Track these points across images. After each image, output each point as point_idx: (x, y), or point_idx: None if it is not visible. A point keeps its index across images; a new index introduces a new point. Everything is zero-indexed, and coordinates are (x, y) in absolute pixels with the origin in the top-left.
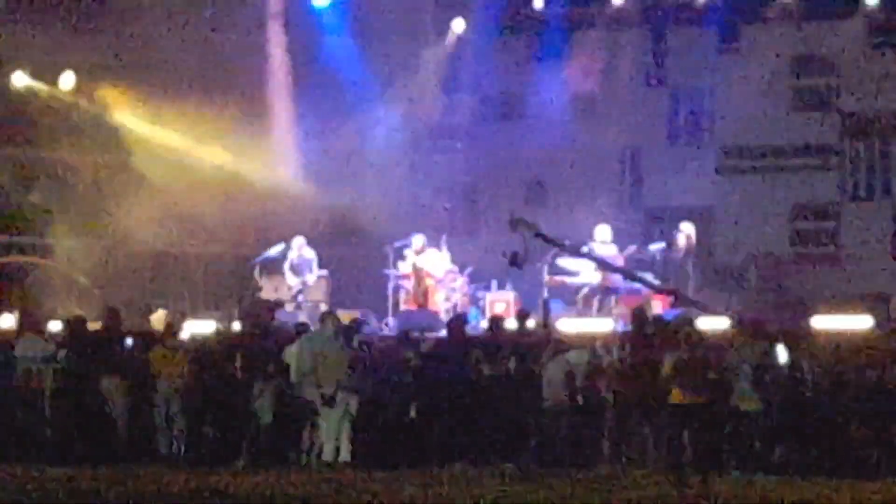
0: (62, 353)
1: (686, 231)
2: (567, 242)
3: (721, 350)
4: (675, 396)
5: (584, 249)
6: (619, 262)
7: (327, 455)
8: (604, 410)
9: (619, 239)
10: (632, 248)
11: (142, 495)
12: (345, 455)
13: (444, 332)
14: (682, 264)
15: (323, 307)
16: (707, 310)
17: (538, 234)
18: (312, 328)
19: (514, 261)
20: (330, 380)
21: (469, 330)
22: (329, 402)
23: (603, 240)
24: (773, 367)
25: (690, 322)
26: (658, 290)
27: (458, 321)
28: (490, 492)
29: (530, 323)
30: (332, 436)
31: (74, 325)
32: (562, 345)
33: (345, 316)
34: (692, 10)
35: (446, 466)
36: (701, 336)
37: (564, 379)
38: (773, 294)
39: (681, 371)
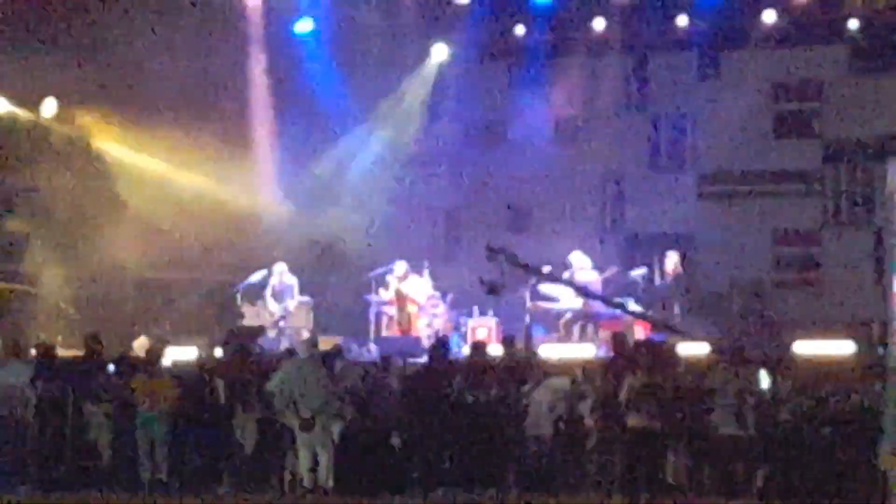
0: (40, 381)
1: (675, 257)
2: (546, 270)
3: (694, 374)
4: (631, 420)
5: (565, 276)
6: (599, 287)
7: (306, 481)
8: (586, 437)
9: (600, 265)
10: (612, 270)
11: None
12: (327, 481)
13: (426, 358)
14: (668, 290)
15: (305, 333)
16: (687, 335)
17: (515, 263)
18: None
19: (492, 290)
20: (309, 405)
21: (451, 356)
22: (306, 426)
23: (582, 266)
24: (755, 392)
25: (666, 347)
26: (637, 317)
27: (439, 347)
28: None
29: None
30: (311, 462)
31: (41, 352)
32: (545, 371)
33: (325, 342)
34: (673, 37)
35: (428, 493)
36: (664, 360)
37: (547, 405)
38: (754, 319)
39: (637, 395)
